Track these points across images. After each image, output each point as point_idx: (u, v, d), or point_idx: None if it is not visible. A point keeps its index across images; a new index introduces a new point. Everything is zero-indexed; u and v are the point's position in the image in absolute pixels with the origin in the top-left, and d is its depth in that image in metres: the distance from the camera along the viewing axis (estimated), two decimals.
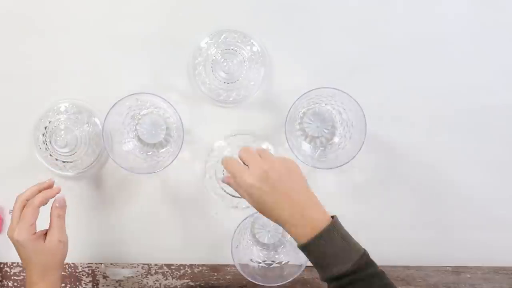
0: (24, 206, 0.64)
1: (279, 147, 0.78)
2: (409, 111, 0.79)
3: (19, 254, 0.64)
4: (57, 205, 0.65)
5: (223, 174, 0.76)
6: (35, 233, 0.63)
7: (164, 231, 0.80)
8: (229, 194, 0.77)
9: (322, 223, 0.56)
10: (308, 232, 0.55)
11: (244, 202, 0.77)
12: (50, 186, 0.67)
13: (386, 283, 0.55)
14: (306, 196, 0.58)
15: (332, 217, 0.57)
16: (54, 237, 0.64)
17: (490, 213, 0.79)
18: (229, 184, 0.63)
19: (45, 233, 0.65)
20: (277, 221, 0.58)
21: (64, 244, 0.65)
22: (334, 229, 0.56)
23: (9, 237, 0.63)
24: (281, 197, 0.57)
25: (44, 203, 0.64)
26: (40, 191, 0.65)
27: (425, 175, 0.79)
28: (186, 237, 0.80)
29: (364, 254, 0.56)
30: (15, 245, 0.63)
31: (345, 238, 0.56)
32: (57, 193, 0.66)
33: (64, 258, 0.66)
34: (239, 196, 0.72)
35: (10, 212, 0.67)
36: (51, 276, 0.64)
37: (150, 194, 0.79)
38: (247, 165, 0.59)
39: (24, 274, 0.80)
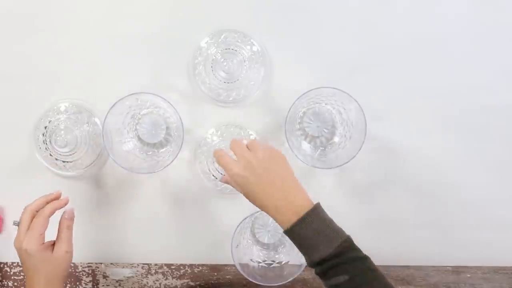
0: (32, 217, 0.64)
1: (279, 147, 0.78)
2: (409, 111, 0.79)
3: (24, 264, 0.64)
4: (66, 216, 0.66)
5: (213, 163, 0.77)
6: (43, 243, 0.64)
7: (164, 231, 0.80)
8: (217, 179, 0.78)
9: (304, 209, 0.57)
10: (291, 218, 0.57)
11: (227, 187, 0.77)
12: (57, 197, 0.67)
13: (368, 267, 0.56)
14: (289, 183, 0.60)
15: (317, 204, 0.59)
16: (62, 248, 0.64)
17: (490, 213, 0.79)
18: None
19: (53, 244, 0.65)
20: (262, 207, 0.60)
21: (70, 254, 0.66)
22: (315, 214, 0.57)
23: (16, 247, 0.63)
24: (264, 185, 0.59)
25: (53, 213, 0.65)
26: (47, 203, 0.66)
27: (425, 175, 0.79)
28: (186, 237, 0.80)
29: (348, 239, 0.56)
30: (22, 255, 0.63)
31: (327, 223, 0.57)
32: (66, 203, 0.67)
33: (68, 269, 0.66)
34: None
35: (14, 224, 0.66)
36: (55, 287, 0.64)
37: (150, 194, 0.79)
38: (235, 154, 0.62)
39: (24, 274, 0.80)
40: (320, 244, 0.56)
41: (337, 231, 0.57)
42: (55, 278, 0.64)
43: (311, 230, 0.56)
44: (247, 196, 0.61)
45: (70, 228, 0.66)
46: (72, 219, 0.67)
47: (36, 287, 0.63)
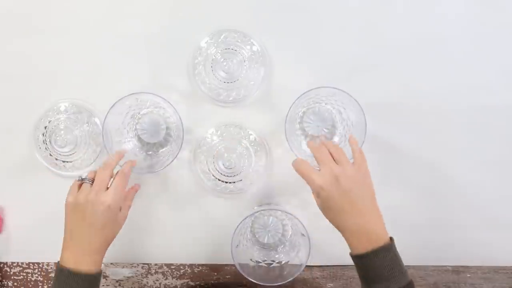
0: (112, 174, 0.66)
1: (279, 146, 0.78)
2: (409, 111, 0.79)
3: (90, 219, 0.62)
4: (137, 188, 0.73)
5: (212, 163, 0.77)
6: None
7: (164, 231, 0.80)
8: (218, 180, 0.77)
9: (381, 239, 0.57)
10: (366, 244, 0.57)
11: (227, 188, 0.78)
12: (123, 155, 0.70)
13: None
14: (372, 208, 0.59)
15: (390, 238, 0.59)
16: (125, 214, 0.68)
17: (490, 213, 0.79)
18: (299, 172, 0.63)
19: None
20: (337, 226, 0.59)
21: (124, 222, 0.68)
22: (392, 248, 0.57)
23: (91, 200, 0.62)
24: (347, 205, 0.57)
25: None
26: (119, 159, 0.68)
27: (425, 175, 0.79)
28: (186, 237, 0.80)
29: (411, 283, 0.57)
30: (96, 210, 0.62)
31: (398, 261, 0.57)
32: (134, 164, 0.70)
33: None
34: (227, 181, 0.76)
35: (78, 179, 0.66)
36: (105, 251, 0.65)
37: (150, 194, 0.79)
38: (319, 163, 0.60)
39: (24, 274, 0.80)
40: (386, 279, 0.56)
41: (405, 272, 0.57)
42: (111, 239, 0.65)
43: (382, 264, 0.56)
44: (323, 210, 0.60)
45: (132, 200, 0.71)
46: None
47: (95, 244, 0.63)
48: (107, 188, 0.65)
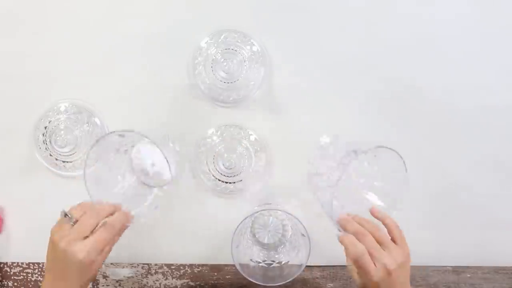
0: (97, 223, 0.58)
1: (279, 147, 0.78)
2: (409, 111, 0.79)
3: (61, 265, 0.57)
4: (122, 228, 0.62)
5: (212, 163, 0.77)
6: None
7: (164, 231, 0.80)
8: (218, 180, 0.77)
9: None
10: None
11: (227, 188, 0.78)
12: (119, 209, 0.62)
13: None
14: None
15: None
16: (100, 263, 0.60)
17: (490, 213, 0.79)
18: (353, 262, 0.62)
19: None
20: None
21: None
22: None
23: (63, 247, 0.55)
24: None
25: (123, 231, 0.61)
26: (114, 212, 0.60)
27: (425, 175, 0.79)
28: (186, 237, 0.80)
29: None
30: (69, 260, 0.56)
31: None
32: (131, 221, 0.62)
33: None
34: (227, 181, 0.77)
35: (62, 213, 0.58)
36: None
37: None
38: (370, 255, 0.59)
39: (24, 274, 0.81)
40: None
41: None
42: (88, 283, 0.60)
43: None
44: None
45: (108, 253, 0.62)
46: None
47: (72, 285, 0.57)
48: (87, 236, 0.57)
